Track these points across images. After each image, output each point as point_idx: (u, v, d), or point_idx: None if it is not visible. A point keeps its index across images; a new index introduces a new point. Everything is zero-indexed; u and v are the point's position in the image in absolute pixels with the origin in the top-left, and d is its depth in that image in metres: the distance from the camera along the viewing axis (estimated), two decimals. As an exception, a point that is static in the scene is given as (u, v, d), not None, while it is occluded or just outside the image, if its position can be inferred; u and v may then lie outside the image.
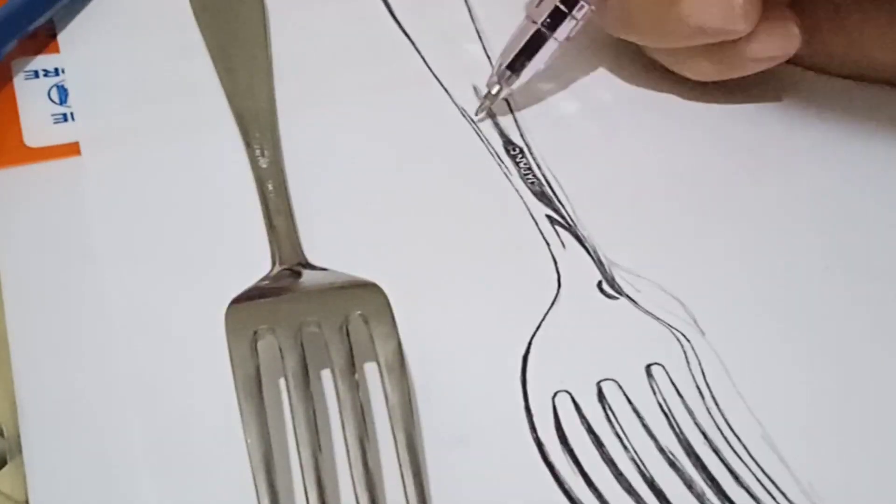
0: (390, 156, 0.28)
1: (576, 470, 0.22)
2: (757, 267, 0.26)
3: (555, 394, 0.23)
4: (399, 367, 0.21)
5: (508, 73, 0.29)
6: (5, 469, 0.22)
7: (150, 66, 0.30)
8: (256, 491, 0.19)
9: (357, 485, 0.20)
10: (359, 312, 0.22)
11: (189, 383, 0.22)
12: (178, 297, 0.24)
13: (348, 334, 0.22)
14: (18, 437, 0.21)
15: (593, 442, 0.22)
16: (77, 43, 0.31)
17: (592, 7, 0.28)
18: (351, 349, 0.21)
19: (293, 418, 0.20)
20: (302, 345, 0.21)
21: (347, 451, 0.20)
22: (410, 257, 0.26)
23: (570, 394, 0.23)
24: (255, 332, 0.21)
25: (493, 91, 0.29)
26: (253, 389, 0.20)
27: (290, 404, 0.20)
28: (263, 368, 0.21)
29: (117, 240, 0.25)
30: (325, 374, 0.22)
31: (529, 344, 0.24)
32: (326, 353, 0.21)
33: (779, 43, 0.28)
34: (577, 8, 0.28)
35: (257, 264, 0.24)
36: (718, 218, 0.27)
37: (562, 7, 0.28)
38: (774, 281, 0.26)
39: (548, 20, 0.28)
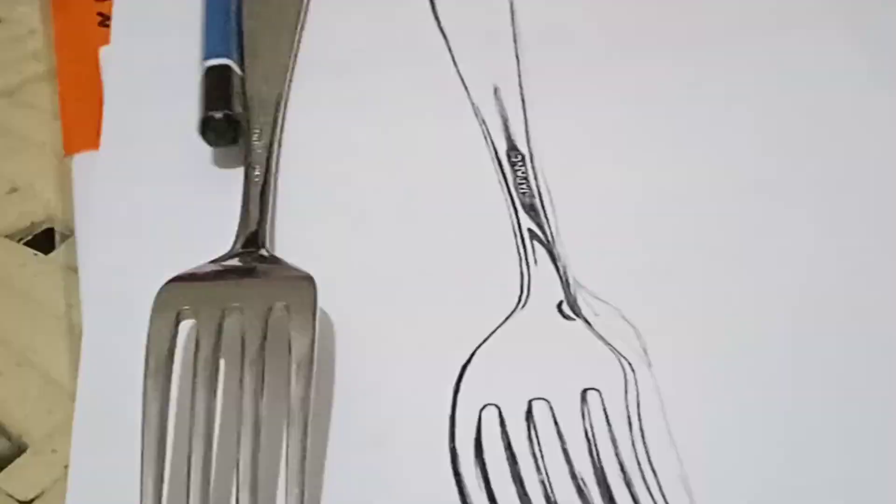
0: (389, 154, 0.29)
1: (482, 484, 0.22)
2: (719, 315, 0.25)
3: (483, 406, 0.23)
4: (308, 362, 0.21)
5: None
6: (7, 469, 0.22)
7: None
8: (141, 476, 0.20)
9: (241, 481, 0.20)
10: (283, 303, 0.22)
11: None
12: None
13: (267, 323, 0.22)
14: (21, 437, 0.22)
15: (508, 458, 0.22)
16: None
17: None
18: (265, 338, 0.22)
19: (191, 406, 0.21)
20: (220, 330, 0.22)
21: (239, 443, 0.20)
22: (379, 253, 0.26)
23: (498, 408, 0.23)
24: (179, 314, 0.22)
25: None
26: (160, 370, 0.21)
27: (192, 390, 0.21)
28: (180, 350, 0.21)
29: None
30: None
31: (473, 354, 0.24)
32: (241, 340, 0.22)
33: None
34: None
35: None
36: (696, 263, 0.26)
37: None
38: (736, 332, 0.25)
39: None
